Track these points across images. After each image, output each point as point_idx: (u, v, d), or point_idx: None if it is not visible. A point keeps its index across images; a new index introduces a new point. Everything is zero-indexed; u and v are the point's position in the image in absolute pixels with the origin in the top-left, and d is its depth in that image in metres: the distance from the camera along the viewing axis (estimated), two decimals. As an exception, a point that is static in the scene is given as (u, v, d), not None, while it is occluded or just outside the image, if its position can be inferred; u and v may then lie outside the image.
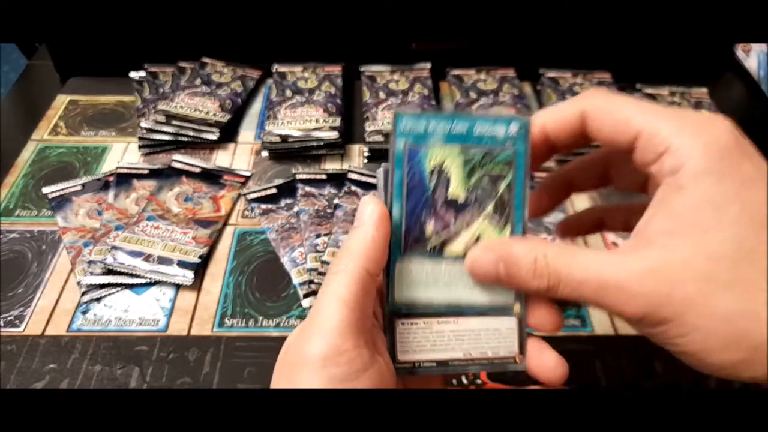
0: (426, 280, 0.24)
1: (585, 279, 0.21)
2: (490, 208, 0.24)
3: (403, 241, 0.24)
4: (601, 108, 0.23)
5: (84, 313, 0.42)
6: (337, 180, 0.52)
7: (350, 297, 0.22)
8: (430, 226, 0.24)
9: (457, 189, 0.24)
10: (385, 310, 0.25)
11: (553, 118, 0.24)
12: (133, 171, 0.52)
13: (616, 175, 0.27)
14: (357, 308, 0.22)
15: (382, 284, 0.25)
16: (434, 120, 0.23)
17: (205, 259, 0.46)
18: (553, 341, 0.41)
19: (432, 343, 0.25)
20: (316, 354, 0.21)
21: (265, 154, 0.55)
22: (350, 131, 0.58)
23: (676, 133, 0.21)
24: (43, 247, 0.46)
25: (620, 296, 0.20)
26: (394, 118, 0.23)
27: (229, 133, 0.57)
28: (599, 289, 0.21)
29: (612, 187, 0.28)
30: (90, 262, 0.44)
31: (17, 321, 0.41)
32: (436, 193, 0.24)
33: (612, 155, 0.27)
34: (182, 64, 0.63)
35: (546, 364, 0.24)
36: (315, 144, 0.54)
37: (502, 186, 0.24)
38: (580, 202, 0.52)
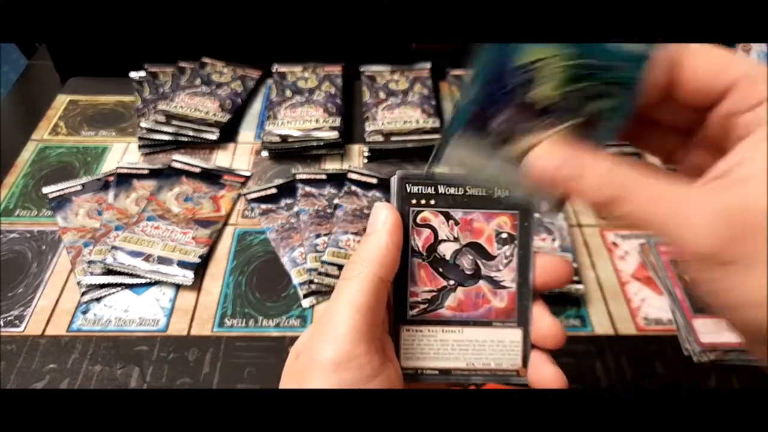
0: (474, 165, 0.22)
1: (658, 198, 0.20)
2: (570, 123, 0.21)
3: (466, 124, 0.21)
4: (699, 51, 0.22)
5: (84, 313, 0.42)
6: (337, 180, 0.52)
7: (363, 303, 0.22)
8: (497, 121, 0.21)
9: (542, 93, 0.21)
10: (392, 312, 0.25)
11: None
12: (133, 171, 0.52)
13: (665, 109, 0.24)
14: (369, 314, 0.22)
15: (390, 291, 0.25)
16: None
17: (205, 259, 0.46)
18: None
19: (435, 351, 0.25)
20: (327, 359, 0.21)
21: (265, 154, 0.55)
22: (350, 131, 0.58)
23: None
24: (43, 247, 0.46)
25: (690, 227, 0.19)
26: None
27: (229, 133, 0.57)
28: (672, 213, 0.20)
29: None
30: (90, 262, 0.44)
31: (17, 321, 0.41)
32: (516, 90, 0.20)
33: (646, 113, 0.24)
34: (182, 64, 0.63)
35: (545, 377, 0.24)
36: (315, 144, 0.54)
37: (596, 106, 0.21)
38: (580, 202, 0.52)
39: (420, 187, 0.24)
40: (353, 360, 0.21)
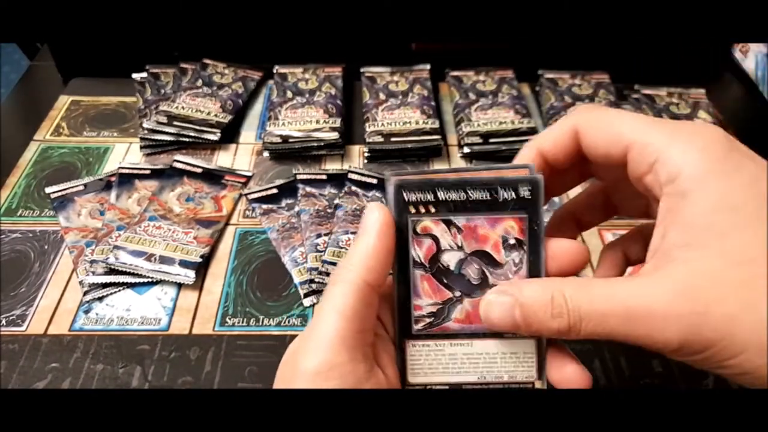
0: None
1: (610, 310, 0.19)
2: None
3: None
4: (592, 123, 0.22)
5: (86, 312, 0.42)
6: (338, 180, 0.52)
7: (348, 309, 0.21)
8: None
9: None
10: (396, 326, 0.24)
11: (546, 140, 0.24)
12: (135, 171, 0.52)
13: (620, 202, 0.27)
14: (355, 320, 0.21)
15: (391, 294, 0.24)
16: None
17: (207, 259, 0.46)
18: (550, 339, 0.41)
19: (444, 365, 0.24)
20: (309, 368, 0.21)
21: (266, 154, 0.56)
22: (350, 132, 0.58)
23: (667, 141, 0.20)
24: (46, 246, 0.47)
25: (652, 324, 0.19)
26: None
27: (230, 133, 0.58)
28: (627, 320, 0.19)
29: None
30: (92, 262, 0.44)
31: (19, 320, 0.42)
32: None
33: (610, 183, 0.26)
34: (183, 65, 0.64)
35: (567, 377, 0.23)
36: (315, 144, 0.55)
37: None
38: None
39: (418, 194, 0.23)
40: (334, 369, 0.21)
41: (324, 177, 0.52)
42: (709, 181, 0.19)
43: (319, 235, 0.46)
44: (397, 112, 0.57)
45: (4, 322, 0.41)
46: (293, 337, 0.41)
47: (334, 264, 0.44)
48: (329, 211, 0.49)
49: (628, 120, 0.21)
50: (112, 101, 0.62)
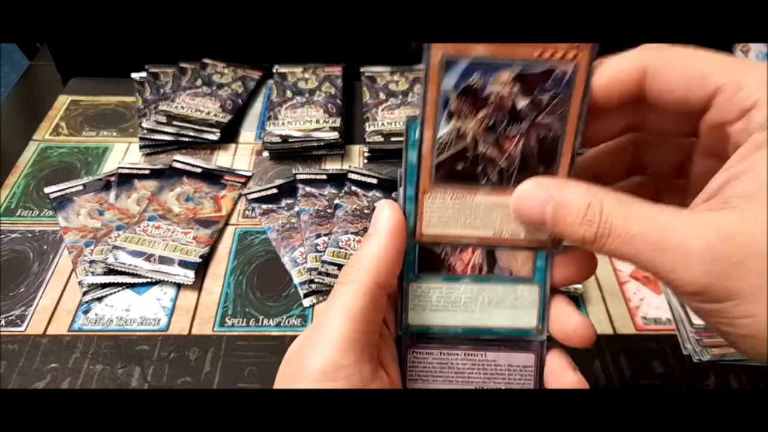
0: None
1: (642, 233, 0.18)
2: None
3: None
4: (668, 62, 0.20)
5: (85, 312, 0.42)
6: (338, 180, 0.52)
7: (356, 310, 0.21)
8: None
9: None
10: (398, 331, 0.24)
11: (605, 75, 0.21)
12: (135, 171, 0.52)
13: (652, 160, 0.24)
14: (363, 321, 0.21)
15: (395, 293, 0.24)
16: None
17: (206, 259, 0.46)
18: (549, 339, 0.41)
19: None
20: (314, 368, 0.21)
21: (265, 154, 0.56)
22: (350, 132, 0.58)
23: (765, 85, 0.18)
24: (45, 246, 0.47)
25: (681, 259, 0.17)
26: None
27: (229, 133, 0.58)
28: (656, 248, 0.18)
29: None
30: (91, 262, 0.44)
31: (19, 320, 0.42)
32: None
33: (653, 137, 0.24)
34: (183, 65, 0.64)
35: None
36: (315, 144, 0.55)
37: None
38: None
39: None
40: (340, 370, 0.21)
41: (324, 177, 0.52)
42: None
43: (318, 236, 0.46)
44: (397, 112, 0.57)
45: (3, 322, 0.41)
46: (293, 337, 0.41)
47: (333, 264, 0.43)
48: (329, 211, 0.49)
49: (713, 61, 0.19)
50: (111, 101, 0.62)
